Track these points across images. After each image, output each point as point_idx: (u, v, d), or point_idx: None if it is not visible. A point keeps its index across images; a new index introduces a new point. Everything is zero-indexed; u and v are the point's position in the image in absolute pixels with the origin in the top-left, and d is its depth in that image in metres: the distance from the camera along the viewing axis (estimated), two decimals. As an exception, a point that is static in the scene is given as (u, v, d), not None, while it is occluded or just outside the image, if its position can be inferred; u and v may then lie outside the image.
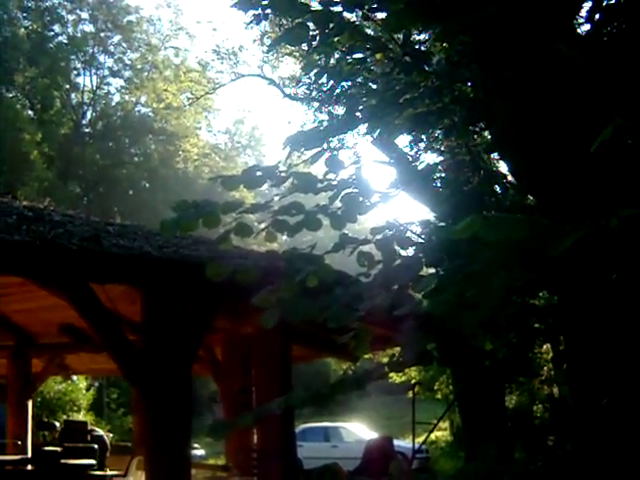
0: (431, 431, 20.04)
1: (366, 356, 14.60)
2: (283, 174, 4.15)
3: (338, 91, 14.22)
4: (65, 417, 22.83)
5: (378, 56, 6.64)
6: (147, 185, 55.12)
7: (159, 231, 7.61)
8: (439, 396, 29.59)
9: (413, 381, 28.40)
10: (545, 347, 17.41)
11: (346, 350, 12.59)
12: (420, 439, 24.93)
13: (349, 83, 12.70)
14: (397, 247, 4.03)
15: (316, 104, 24.36)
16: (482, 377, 14.78)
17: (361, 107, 5.24)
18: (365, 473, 11.28)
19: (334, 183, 4.20)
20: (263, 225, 3.98)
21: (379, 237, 4.12)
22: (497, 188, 4.07)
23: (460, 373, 16.97)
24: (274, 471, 8.46)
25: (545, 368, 20.32)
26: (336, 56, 10.97)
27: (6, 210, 5.87)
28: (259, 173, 4.08)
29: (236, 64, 30.00)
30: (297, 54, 27.16)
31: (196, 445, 29.49)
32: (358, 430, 30.09)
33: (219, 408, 47.31)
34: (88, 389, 26.30)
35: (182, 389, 7.26)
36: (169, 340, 7.02)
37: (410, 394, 26.45)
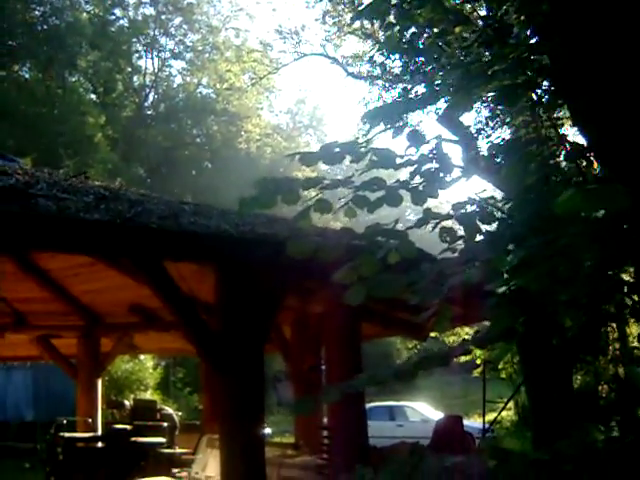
0: (501, 410, 19.87)
1: (432, 335, 14.53)
2: (362, 149, 4.11)
3: (412, 67, 14.02)
4: (133, 396, 23.13)
5: (457, 29, 6.53)
6: (209, 166, 55.32)
7: (232, 210, 7.64)
8: (503, 375, 29.35)
9: (478, 360, 28.21)
10: (611, 327, 17.16)
11: (414, 328, 12.56)
12: (488, 418, 24.77)
13: (422, 59, 12.55)
14: (479, 223, 3.97)
15: (379, 82, 24.21)
16: (551, 356, 14.61)
17: (439, 82, 5.17)
18: (435, 452, 11.19)
19: (414, 158, 4.14)
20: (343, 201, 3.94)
21: (461, 212, 4.06)
22: (583, 162, 3.99)
23: (529, 352, 16.78)
24: (346, 449, 8.44)
25: (610, 347, 20.01)
26: (410, 32, 10.81)
27: (82, 190, 5.90)
28: (337, 149, 4.04)
29: (298, 43, 29.91)
30: (360, 32, 26.99)
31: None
32: (423, 409, 30.00)
33: (283, 387, 47.63)
34: (155, 368, 26.60)
35: (256, 367, 7.28)
36: (243, 318, 7.03)
37: (475, 373, 26.30)
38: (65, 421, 16.79)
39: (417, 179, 4.08)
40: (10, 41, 45.86)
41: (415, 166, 4.11)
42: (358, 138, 21.80)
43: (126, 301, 14.06)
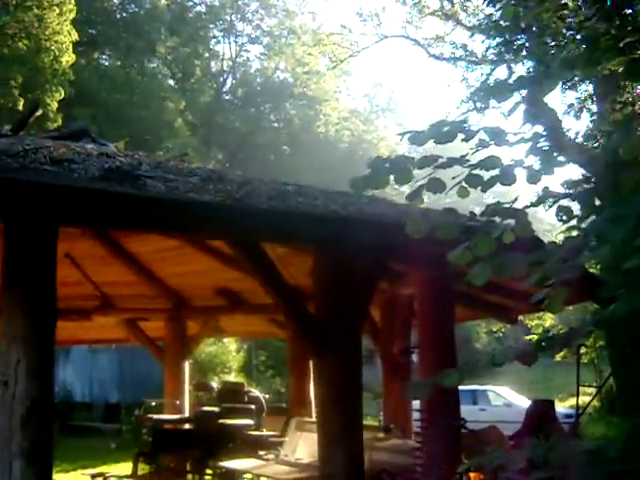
0: (595, 395, 19.56)
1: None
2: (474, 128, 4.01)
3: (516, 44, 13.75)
4: (216, 378, 23.33)
5: (571, 4, 6.36)
6: (288, 150, 55.48)
7: (334, 191, 7.58)
8: (586, 360, 28.93)
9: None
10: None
11: (503, 311, 12.38)
12: (572, 403, 24.37)
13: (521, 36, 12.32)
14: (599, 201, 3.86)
15: (462, 63, 23.99)
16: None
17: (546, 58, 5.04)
18: (526, 437, 11.02)
19: (526, 137, 4.04)
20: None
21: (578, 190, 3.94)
22: None
23: (618, 336, 16.46)
24: (440, 432, 8.35)
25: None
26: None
27: (186, 172, 5.89)
28: (447, 128, 3.95)
29: (379, 25, 29.78)
30: (440, 13, 26.76)
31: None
32: (506, 393, 29.75)
33: (367, 370, 47.64)
34: (238, 351, 26.80)
35: (354, 350, 7.23)
36: (341, 300, 6.99)
37: (557, 357, 25.94)
38: (153, 403, 16.98)
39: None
40: (90, 30, 46.50)
41: (530, 144, 4.00)
42: (446, 117, 21.58)
43: (213, 284, 14.14)
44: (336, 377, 7.10)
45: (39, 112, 10.45)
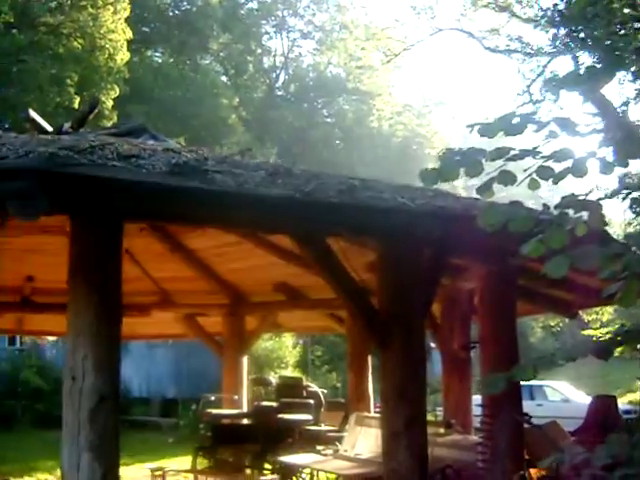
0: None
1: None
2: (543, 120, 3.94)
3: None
4: (272, 373, 23.38)
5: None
6: (341, 145, 55.39)
7: (398, 184, 7.54)
8: (642, 355, 28.45)
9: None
10: None
11: (563, 305, 12.23)
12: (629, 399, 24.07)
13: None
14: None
15: (518, 55, 23.82)
16: None
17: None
18: (589, 433, 10.91)
19: (598, 127, 3.98)
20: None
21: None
22: None
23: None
24: (504, 426, 8.27)
25: None
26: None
27: (252, 166, 5.88)
28: (517, 119, 3.89)
29: (433, 18, 29.62)
30: (494, 5, 26.57)
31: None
32: (563, 389, 29.44)
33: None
34: (294, 347, 26.85)
35: (419, 344, 7.19)
36: (406, 294, 6.95)
37: (616, 352, 25.54)
38: (212, 398, 17.07)
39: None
40: (143, 27, 46.86)
41: (602, 134, 3.94)
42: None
43: (271, 280, 14.17)
44: (400, 371, 7.06)
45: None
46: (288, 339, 25.89)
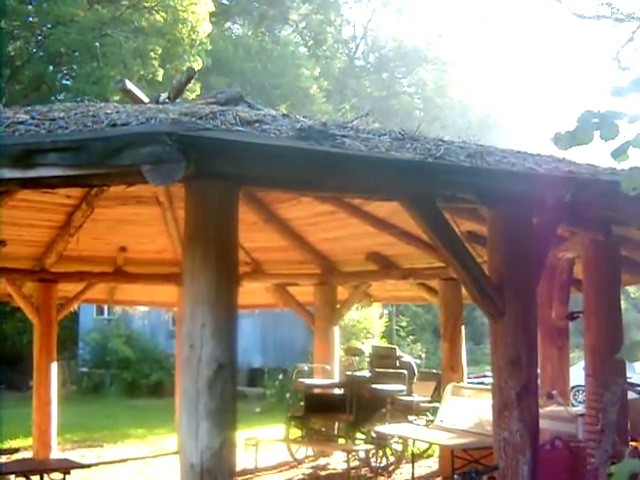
0: None
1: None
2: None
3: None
4: (359, 344, 23.30)
5: None
6: (421, 115, 54.96)
7: (515, 150, 7.36)
8: None
9: None
10: None
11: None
12: None
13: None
14: None
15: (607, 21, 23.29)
16: None
17: None
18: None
19: None
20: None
21: None
22: None
23: None
24: (614, 397, 8.08)
25: None
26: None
27: (374, 131, 5.77)
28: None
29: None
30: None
31: (487, 373, 29.35)
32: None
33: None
34: (380, 317, 26.78)
35: (530, 312, 7.03)
36: (518, 261, 6.80)
37: None
38: (305, 367, 17.10)
39: None
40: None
41: None
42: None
43: (364, 249, 14.08)
44: (512, 340, 6.91)
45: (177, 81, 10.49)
46: (374, 309, 25.80)
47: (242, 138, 4.61)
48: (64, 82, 39.68)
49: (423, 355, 29.18)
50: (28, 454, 14.73)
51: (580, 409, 10.58)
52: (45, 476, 10.31)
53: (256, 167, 4.67)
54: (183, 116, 4.92)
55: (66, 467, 10.71)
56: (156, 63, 33.76)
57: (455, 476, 5.86)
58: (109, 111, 5.55)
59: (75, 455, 14.97)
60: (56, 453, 14.79)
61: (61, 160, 4.24)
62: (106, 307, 33.50)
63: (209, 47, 36.54)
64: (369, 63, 58.45)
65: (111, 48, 33.21)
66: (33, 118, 5.00)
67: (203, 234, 5.47)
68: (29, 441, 15.51)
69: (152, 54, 33.82)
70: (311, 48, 53.85)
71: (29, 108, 6.07)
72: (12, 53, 37.13)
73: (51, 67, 38.64)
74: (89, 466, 11.13)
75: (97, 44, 33.38)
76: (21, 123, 4.87)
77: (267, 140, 4.73)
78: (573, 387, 17.84)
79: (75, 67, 39.12)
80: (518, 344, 6.94)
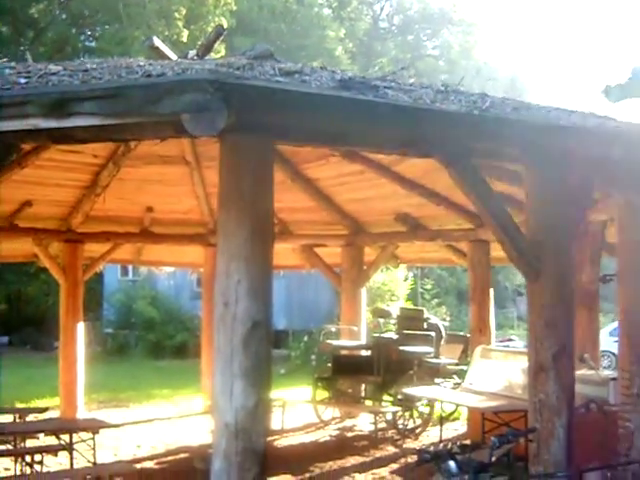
0: None
1: None
2: None
3: None
4: (385, 306, 23.16)
5: None
6: (447, 77, 54.43)
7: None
8: None
9: None
10: None
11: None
12: None
13: None
14: None
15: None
16: None
17: None
18: None
19: None
20: None
21: None
22: None
23: None
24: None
25: None
26: None
27: (417, 84, 5.60)
28: None
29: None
30: None
31: (513, 337, 29.32)
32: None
33: (523, 301, 46.82)
34: (405, 279, 26.65)
35: (567, 271, 6.87)
36: (555, 219, 6.63)
37: None
38: (333, 329, 17.05)
39: None
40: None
41: None
42: None
43: (392, 210, 13.95)
44: (548, 300, 6.77)
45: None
46: (399, 272, 25.66)
47: (285, 87, 4.46)
48: (87, 44, 39.58)
49: (447, 318, 29.05)
50: (55, 413, 14.78)
51: (611, 373, 10.47)
52: (74, 435, 10.30)
53: (298, 117, 4.54)
54: (220, 67, 4.78)
55: (95, 426, 10.71)
56: (180, 24, 33.57)
57: (492, 438, 5.74)
58: (142, 64, 5.42)
59: (102, 415, 15.00)
60: (83, 413, 14.84)
61: (98, 109, 4.13)
62: (131, 268, 33.64)
63: (233, 7, 36.28)
64: (394, 25, 57.90)
65: (135, 8, 33.06)
66: (66, 69, 4.87)
67: (238, 190, 5.36)
68: (56, 401, 15.52)
69: (176, 14, 33.62)
70: (335, 10, 53.33)
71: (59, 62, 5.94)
72: (35, 15, 37.09)
73: (74, 29, 38.56)
74: (117, 426, 11.13)
75: (121, 5, 33.18)
76: (54, 74, 4.75)
77: (310, 89, 4.58)
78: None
79: (98, 28, 39.02)
80: (555, 304, 6.81)
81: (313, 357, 17.24)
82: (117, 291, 33.93)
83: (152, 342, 30.67)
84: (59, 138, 5.23)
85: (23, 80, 4.60)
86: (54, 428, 10.55)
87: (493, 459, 5.72)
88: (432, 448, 9.93)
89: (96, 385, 17.79)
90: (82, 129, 4.75)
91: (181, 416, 15.91)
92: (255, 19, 41.84)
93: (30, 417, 12.08)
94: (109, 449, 12.40)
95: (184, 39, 32.69)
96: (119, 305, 33.10)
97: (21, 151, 5.85)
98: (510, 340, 27.13)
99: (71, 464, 10.10)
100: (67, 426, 10.84)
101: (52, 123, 4.24)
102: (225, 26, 33.23)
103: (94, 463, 10.44)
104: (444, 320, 23.66)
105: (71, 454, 10.04)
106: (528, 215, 6.84)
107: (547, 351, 6.82)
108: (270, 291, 5.53)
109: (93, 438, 10.39)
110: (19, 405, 16.44)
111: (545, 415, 6.87)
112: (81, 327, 15.14)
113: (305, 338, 25.82)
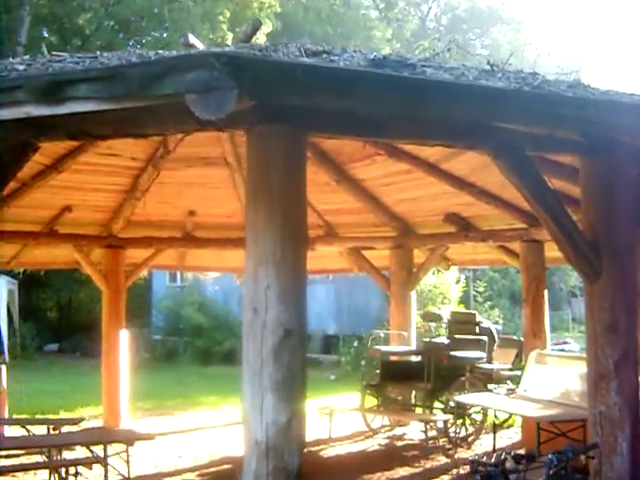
0: None
1: None
2: None
3: None
4: (437, 309, 22.66)
5: None
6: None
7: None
8: None
9: None
10: None
11: None
12: None
13: None
14: None
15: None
16: None
17: None
18: None
19: None
20: None
21: None
22: None
23: None
24: None
25: None
26: None
27: (452, 65, 5.12)
28: None
29: None
30: None
31: (568, 340, 28.62)
32: None
33: (577, 302, 45.95)
34: (457, 282, 26.08)
35: (629, 271, 6.31)
36: (615, 215, 6.10)
37: None
38: (382, 334, 16.58)
39: None
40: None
41: None
42: None
43: (441, 210, 13.48)
44: (609, 303, 6.23)
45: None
46: (450, 274, 25.10)
47: (306, 62, 4.00)
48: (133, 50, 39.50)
49: (500, 321, 28.41)
50: (99, 422, 14.51)
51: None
52: (111, 447, 9.94)
53: (326, 101, 4.05)
54: (239, 50, 4.34)
55: (130, 438, 10.32)
56: (225, 27, 33.34)
57: (549, 456, 5.25)
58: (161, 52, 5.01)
59: (145, 424, 14.72)
60: (126, 421, 14.56)
61: (93, 92, 3.68)
62: (178, 274, 33.51)
63: (278, 10, 36.00)
64: (442, 25, 57.27)
65: (179, 13, 32.91)
66: (73, 56, 4.47)
67: (267, 187, 4.93)
68: (100, 409, 15.27)
69: (220, 18, 33.41)
70: (382, 11, 52.91)
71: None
72: (81, 22, 37.10)
73: (120, 35, 38.53)
74: (152, 437, 10.69)
75: (165, 10, 33.05)
76: (59, 61, 4.34)
77: (333, 64, 4.11)
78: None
79: (144, 34, 38.97)
80: (616, 307, 6.27)
81: (363, 363, 16.86)
82: (165, 297, 33.82)
83: (200, 348, 30.46)
84: (75, 134, 4.86)
85: (22, 67, 4.21)
86: (85, 440, 10.19)
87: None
88: (485, 459, 9.37)
89: (142, 393, 17.57)
90: (99, 124, 4.38)
91: (227, 424, 15.51)
92: (301, 22, 41.52)
93: (65, 428, 11.75)
94: (150, 459, 12.08)
95: (229, 42, 32.43)
96: (167, 311, 32.98)
97: (37, 150, 5.45)
98: (565, 343, 26.48)
99: (105, 477, 9.73)
100: (99, 438, 10.45)
101: (44, 110, 3.83)
102: (270, 29, 33.04)
103: (127, 478, 10.09)
104: (497, 323, 23.09)
105: (105, 467, 9.67)
106: (585, 211, 6.31)
107: (608, 359, 6.29)
108: (303, 297, 5.09)
109: (126, 451, 10.00)
110: (64, 413, 16.27)
111: (606, 428, 6.33)
112: (124, 334, 14.91)
113: (355, 343, 25.39)
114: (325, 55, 4.35)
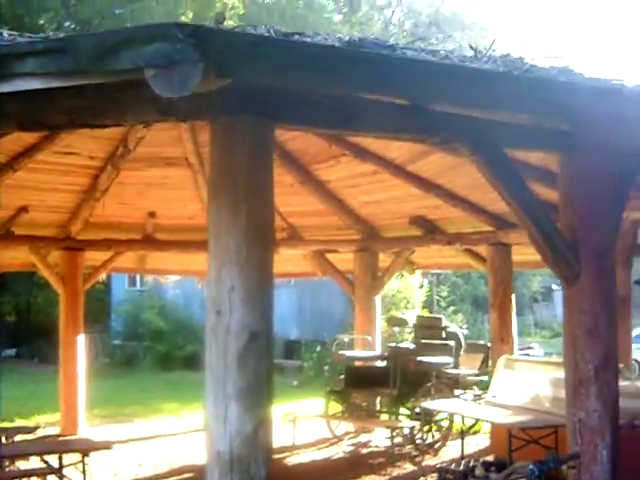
0: None
1: None
2: None
3: None
4: (400, 314, 22.46)
5: None
6: (459, 82, 53.89)
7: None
8: None
9: None
10: None
11: None
12: None
13: None
14: None
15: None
16: None
17: None
18: None
19: None
20: None
21: None
22: None
23: None
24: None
25: None
26: None
27: (434, 50, 4.88)
28: None
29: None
30: None
31: (533, 345, 28.60)
32: None
33: (539, 307, 45.98)
34: (420, 286, 25.92)
35: (608, 273, 6.07)
36: (594, 215, 5.86)
37: None
38: (346, 339, 16.31)
39: None
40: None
41: None
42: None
43: (407, 213, 13.29)
44: (589, 306, 5.99)
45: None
46: (414, 279, 24.92)
47: (278, 37, 3.70)
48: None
49: (464, 326, 28.32)
50: (55, 430, 14.12)
51: (645, 382, 9.77)
52: (67, 456, 9.54)
53: (293, 77, 3.73)
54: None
55: (85, 448, 9.90)
56: (188, 27, 33.05)
57: (530, 466, 5.00)
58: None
59: (103, 431, 14.35)
60: (84, 429, 14.18)
61: (41, 67, 3.33)
62: (138, 278, 33.15)
63: (242, 11, 35.73)
64: (405, 30, 57.22)
65: (141, 13, 32.55)
66: (22, 35, 4.12)
67: (231, 181, 4.62)
68: (57, 417, 14.87)
69: (183, 18, 33.09)
70: (346, 15, 52.80)
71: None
72: (42, 22, 36.58)
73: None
74: (109, 447, 10.27)
75: (127, 8, 32.75)
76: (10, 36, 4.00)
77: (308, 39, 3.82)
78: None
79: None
80: (596, 310, 6.03)
81: (326, 368, 16.62)
82: (124, 301, 33.40)
83: (161, 353, 30.05)
84: (26, 123, 4.51)
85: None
86: (39, 450, 9.75)
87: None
88: (453, 466, 9.17)
89: (101, 399, 17.17)
90: (52, 112, 4.04)
91: (188, 432, 15.15)
92: (264, 23, 41.10)
93: (25, 436, 11.32)
94: (109, 468, 11.70)
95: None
96: (126, 316, 32.58)
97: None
98: (530, 348, 26.44)
99: (60, 489, 9.33)
100: (53, 448, 10.02)
101: (-15, 87, 3.49)
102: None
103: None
104: (462, 328, 22.94)
105: (60, 478, 9.26)
106: (564, 211, 6.06)
107: (588, 364, 6.04)
108: (270, 299, 4.78)
109: (82, 461, 9.57)
110: (20, 421, 15.84)
111: (586, 436, 6.08)
112: (82, 339, 14.56)
113: (318, 348, 25.13)
114: (297, 36, 4.06)
